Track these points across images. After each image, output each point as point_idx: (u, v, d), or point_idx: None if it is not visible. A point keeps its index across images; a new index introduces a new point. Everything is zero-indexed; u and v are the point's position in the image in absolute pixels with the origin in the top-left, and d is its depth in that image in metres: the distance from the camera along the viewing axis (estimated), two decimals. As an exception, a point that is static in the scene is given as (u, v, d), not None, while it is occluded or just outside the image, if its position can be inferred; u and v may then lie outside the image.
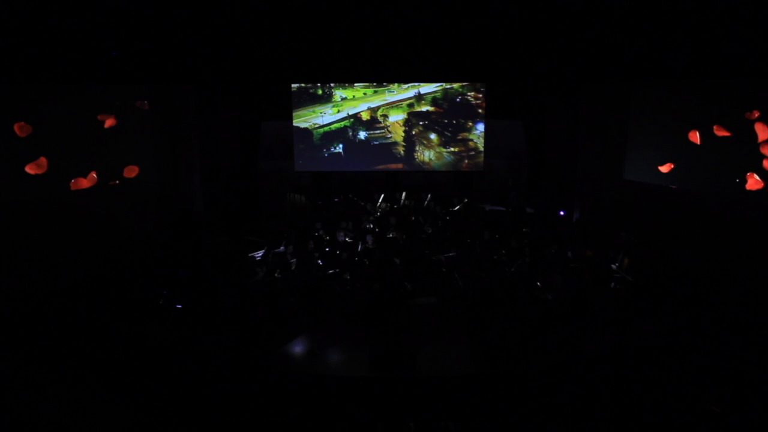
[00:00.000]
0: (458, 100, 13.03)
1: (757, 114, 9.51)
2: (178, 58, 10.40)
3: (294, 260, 9.15)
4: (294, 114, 13.02)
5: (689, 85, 10.61)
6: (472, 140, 13.14)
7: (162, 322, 8.25)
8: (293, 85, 12.93)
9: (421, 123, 13.14)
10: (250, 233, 11.53)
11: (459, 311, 8.64)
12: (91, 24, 8.19)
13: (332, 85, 12.97)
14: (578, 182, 12.68)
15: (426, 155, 13.25)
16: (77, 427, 6.20)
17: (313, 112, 13.09)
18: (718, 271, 9.47)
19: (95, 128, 10.76)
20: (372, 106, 13.09)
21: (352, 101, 13.07)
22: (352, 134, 13.20)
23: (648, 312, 8.50)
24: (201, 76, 11.69)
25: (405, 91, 13.03)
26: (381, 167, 13.33)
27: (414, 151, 13.24)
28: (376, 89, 13.02)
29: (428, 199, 12.08)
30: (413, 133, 13.18)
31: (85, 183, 10.63)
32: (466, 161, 13.24)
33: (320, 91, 13.04)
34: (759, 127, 9.47)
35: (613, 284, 8.89)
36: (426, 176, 13.61)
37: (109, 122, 10.96)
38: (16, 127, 9.43)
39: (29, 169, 9.68)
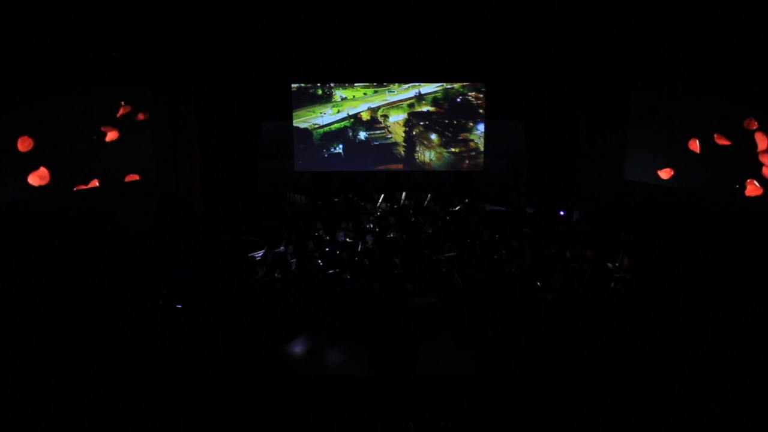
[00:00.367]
0: (459, 100, 13.03)
1: (755, 125, 9.53)
2: (178, 58, 10.40)
3: (294, 260, 9.15)
4: (294, 114, 13.02)
5: (689, 85, 10.61)
6: (473, 141, 13.14)
7: (162, 322, 8.24)
8: (293, 85, 12.93)
9: (421, 123, 13.13)
10: (250, 233, 11.52)
11: (459, 311, 8.64)
12: (91, 24, 8.19)
13: (332, 85, 12.96)
14: (578, 182, 12.67)
15: (426, 156, 13.25)
16: (77, 427, 6.20)
17: (313, 112, 13.09)
18: (718, 270, 9.46)
19: (95, 129, 10.76)
20: (372, 106, 13.08)
21: (352, 101, 13.07)
22: (352, 134, 13.19)
23: (648, 312, 8.49)
24: (201, 76, 11.69)
25: (405, 91, 13.02)
26: (381, 168, 13.33)
27: (414, 151, 13.24)
28: (376, 89, 13.02)
29: (428, 199, 12.09)
30: (414, 133, 13.18)
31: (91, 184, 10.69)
32: (467, 161, 13.24)
33: (320, 91, 13.03)
34: (759, 137, 9.49)
35: (613, 284, 8.89)
36: (426, 176, 13.61)
37: (111, 135, 10.97)
38: (18, 142, 9.49)
39: (32, 181, 9.72)
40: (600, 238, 10.43)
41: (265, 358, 7.43)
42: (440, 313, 8.47)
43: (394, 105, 13.08)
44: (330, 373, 7.17)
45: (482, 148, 13.13)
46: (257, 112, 13.33)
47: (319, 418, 6.49)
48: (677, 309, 8.72)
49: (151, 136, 11.91)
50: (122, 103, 11.17)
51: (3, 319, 8.50)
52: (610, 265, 9.08)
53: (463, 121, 13.09)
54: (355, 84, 12.95)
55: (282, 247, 9.37)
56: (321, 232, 10.17)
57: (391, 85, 12.96)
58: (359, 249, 9.56)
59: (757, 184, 9.59)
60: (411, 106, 13.07)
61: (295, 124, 13.06)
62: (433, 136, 13.18)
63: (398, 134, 13.18)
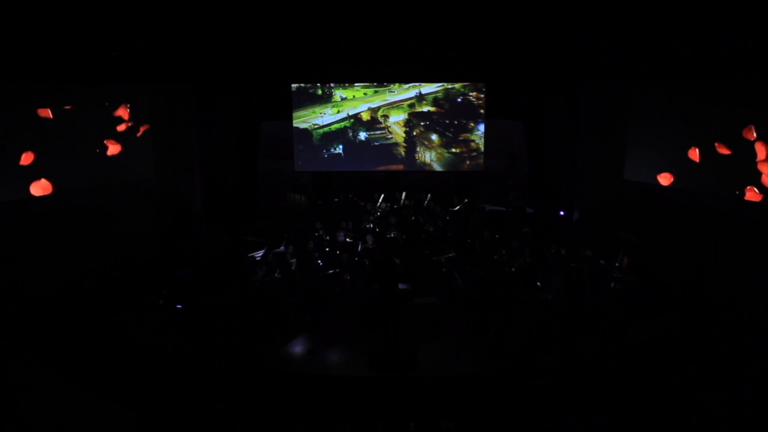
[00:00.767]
0: (459, 100, 13.02)
1: (754, 135, 9.54)
2: (178, 57, 10.40)
3: (294, 260, 9.16)
4: (294, 114, 13.01)
5: (689, 85, 10.61)
6: (473, 141, 13.14)
7: (162, 322, 8.25)
8: (293, 85, 12.92)
9: (422, 123, 13.13)
10: (250, 233, 11.53)
11: (459, 311, 8.63)
12: (91, 23, 8.19)
13: (332, 85, 12.96)
14: (578, 182, 12.67)
15: (427, 156, 13.25)
16: (77, 427, 6.20)
17: (313, 112, 13.08)
18: (718, 270, 9.46)
19: (95, 130, 10.76)
20: (372, 106, 13.08)
21: (352, 101, 13.06)
22: (353, 135, 13.19)
23: (648, 312, 8.49)
24: (201, 76, 11.69)
25: (406, 91, 13.01)
26: (381, 168, 13.33)
27: (415, 152, 13.23)
28: (376, 89, 13.01)
29: (428, 199, 12.09)
30: (414, 133, 13.17)
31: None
32: (467, 162, 13.24)
33: (320, 91, 13.03)
34: (759, 147, 9.50)
35: (613, 284, 8.89)
36: (426, 176, 13.60)
37: (113, 149, 10.97)
38: (22, 157, 9.55)
39: (34, 191, 9.72)
40: (600, 237, 10.44)
41: (265, 358, 7.43)
42: (440, 313, 8.47)
43: (394, 105, 13.08)
44: (330, 373, 7.16)
45: (483, 149, 13.13)
46: (257, 112, 13.33)
47: (318, 419, 6.49)
48: (677, 309, 8.72)
49: (151, 137, 11.90)
50: (125, 117, 11.14)
51: (3, 319, 8.50)
52: (609, 264, 9.08)
53: (464, 122, 13.08)
54: (355, 84, 12.95)
55: (282, 247, 9.38)
56: (321, 232, 10.17)
57: (392, 85, 12.96)
58: (359, 249, 9.57)
59: (756, 191, 9.61)
60: (411, 106, 13.07)
61: (295, 125, 13.05)
62: (434, 137, 13.17)
63: (398, 134, 13.18)
